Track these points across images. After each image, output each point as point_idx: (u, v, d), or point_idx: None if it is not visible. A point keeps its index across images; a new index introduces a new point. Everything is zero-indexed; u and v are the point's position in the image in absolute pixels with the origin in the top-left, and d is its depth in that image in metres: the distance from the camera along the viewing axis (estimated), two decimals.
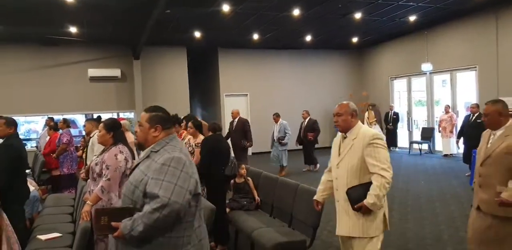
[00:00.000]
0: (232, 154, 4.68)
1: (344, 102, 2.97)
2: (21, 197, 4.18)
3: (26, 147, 5.95)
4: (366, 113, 13.80)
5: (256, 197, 4.71)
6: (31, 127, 11.93)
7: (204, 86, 14.83)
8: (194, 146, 4.91)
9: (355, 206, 2.71)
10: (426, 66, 11.66)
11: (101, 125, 3.44)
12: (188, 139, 5.08)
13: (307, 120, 9.68)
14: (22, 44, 10.91)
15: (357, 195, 2.72)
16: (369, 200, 2.66)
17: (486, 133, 3.06)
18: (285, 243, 3.50)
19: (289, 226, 4.00)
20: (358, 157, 2.77)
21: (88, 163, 5.42)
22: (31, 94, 10.98)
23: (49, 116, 9.96)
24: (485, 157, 2.90)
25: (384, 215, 2.83)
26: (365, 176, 2.76)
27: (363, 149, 2.76)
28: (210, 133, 4.79)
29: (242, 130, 8.57)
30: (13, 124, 4.16)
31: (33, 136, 11.58)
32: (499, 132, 2.90)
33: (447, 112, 10.80)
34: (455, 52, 10.91)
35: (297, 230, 3.85)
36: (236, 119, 8.77)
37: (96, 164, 3.32)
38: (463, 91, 11.17)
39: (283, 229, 3.86)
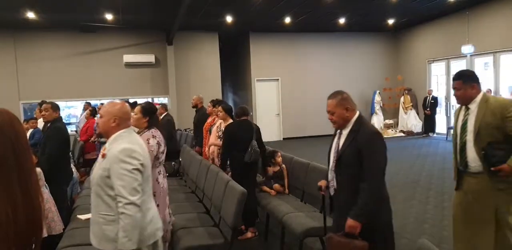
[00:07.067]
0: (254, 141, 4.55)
1: None
2: (66, 177, 4.40)
3: None
4: (402, 98, 13.42)
5: (286, 185, 4.68)
6: (71, 112, 12.39)
7: (235, 71, 14.83)
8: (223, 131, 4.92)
9: None
10: (467, 49, 11.11)
11: (138, 107, 3.43)
12: (220, 123, 5.10)
13: (161, 117, 6.57)
14: (62, 32, 11.25)
15: None
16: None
17: None
18: (316, 228, 3.49)
19: (320, 212, 3.97)
20: None
21: None
22: (70, 80, 11.36)
23: (87, 101, 10.32)
24: None
25: None
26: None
27: None
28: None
29: None
30: (58, 108, 4.38)
31: (73, 120, 12.04)
32: None
33: None
34: (498, 33, 10.30)
35: (328, 216, 3.82)
36: None
37: None
38: (507, 74, 10.60)
39: (314, 214, 3.85)
